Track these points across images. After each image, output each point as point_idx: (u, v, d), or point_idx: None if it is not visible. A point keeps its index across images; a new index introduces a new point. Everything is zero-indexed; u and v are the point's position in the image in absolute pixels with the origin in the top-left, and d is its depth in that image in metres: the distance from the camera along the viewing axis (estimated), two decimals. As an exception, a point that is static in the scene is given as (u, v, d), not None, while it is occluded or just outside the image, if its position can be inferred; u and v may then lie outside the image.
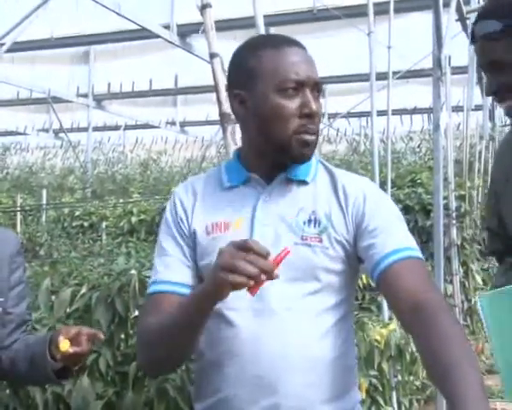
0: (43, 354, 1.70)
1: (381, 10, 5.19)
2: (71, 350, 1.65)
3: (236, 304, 1.47)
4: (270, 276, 1.28)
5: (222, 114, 2.47)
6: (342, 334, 1.53)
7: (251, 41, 1.61)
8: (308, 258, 1.50)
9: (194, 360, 1.58)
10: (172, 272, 1.54)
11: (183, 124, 15.11)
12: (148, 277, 1.92)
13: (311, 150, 1.53)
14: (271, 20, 8.46)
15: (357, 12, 7.40)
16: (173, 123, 14.95)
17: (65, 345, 1.65)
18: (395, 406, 3.77)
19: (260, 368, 1.46)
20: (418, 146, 11.79)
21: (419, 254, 1.47)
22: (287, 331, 1.47)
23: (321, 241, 1.51)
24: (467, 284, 6.31)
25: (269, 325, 1.47)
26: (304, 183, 1.57)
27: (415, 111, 13.28)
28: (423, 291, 1.37)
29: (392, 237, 1.47)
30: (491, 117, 9.21)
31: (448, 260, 5.39)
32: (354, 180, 1.60)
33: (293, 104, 1.49)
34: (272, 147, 1.52)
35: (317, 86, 1.54)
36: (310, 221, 1.52)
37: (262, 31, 2.93)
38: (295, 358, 1.46)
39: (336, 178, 1.59)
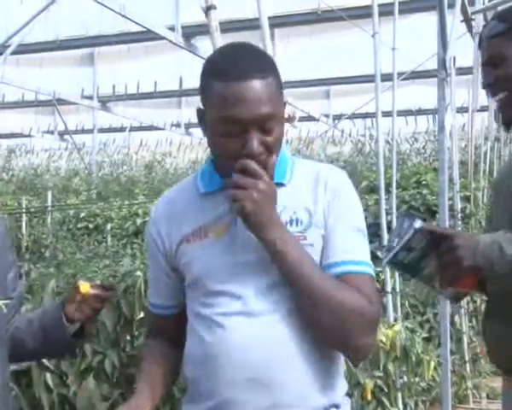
0: (57, 320, 1.75)
1: (386, 11, 5.19)
2: (91, 291, 1.74)
3: (224, 309, 1.50)
4: None
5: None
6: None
7: (208, 60, 1.54)
8: None
9: (185, 364, 1.60)
10: (157, 294, 1.67)
11: (188, 126, 15.11)
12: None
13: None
14: (276, 21, 8.46)
15: (362, 13, 7.39)
16: (178, 125, 14.95)
17: (85, 287, 1.74)
18: (400, 407, 3.77)
19: (254, 370, 1.47)
20: (423, 147, 11.77)
21: (366, 269, 1.53)
22: (276, 331, 1.48)
23: (305, 238, 1.52)
24: (472, 285, 6.28)
25: (258, 326, 1.48)
26: (281, 185, 1.55)
27: (420, 112, 13.26)
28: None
29: (342, 246, 1.53)
30: (497, 118, 9.18)
31: (453, 261, 5.37)
32: (335, 175, 1.60)
33: (234, 144, 1.45)
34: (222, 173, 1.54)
35: (266, 120, 1.45)
36: (292, 221, 1.53)
37: (267, 32, 2.93)
38: (287, 355, 1.49)
39: (316, 174, 1.58)
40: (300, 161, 1.64)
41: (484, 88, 1.87)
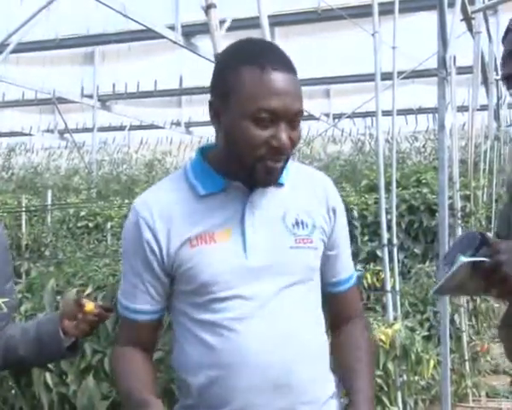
0: (54, 334, 1.76)
1: (386, 10, 5.17)
2: (96, 310, 1.76)
3: (236, 313, 1.47)
4: None
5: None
6: (323, 320, 1.61)
7: (237, 48, 1.51)
8: (304, 260, 1.53)
9: (190, 374, 1.53)
10: (141, 299, 1.55)
11: (188, 124, 15.11)
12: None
13: (276, 177, 1.49)
14: (276, 20, 8.46)
15: (362, 12, 7.39)
16: (178, 123, 14.95)
17: (90, 306, 1.77)
18: (400, 405, 3.77)
19: (272, 374, 1.46)
20: (423, 146, 11.77)
21: (355, 274, 1.71)
22: (292, 335, 1.49)
23: (312, 241, 1.54)
24: (472, 283, 6.28)
25: (274, 329, 1.47)
26: (281, 185, 1.55)
27: (420, 111, 13.26)
28: (354, 311, 1.69)
29: (348, 259, 1.68)
30: (497, 117, 9.18)
31: (453, 260, 5.37)
32: (329, 183, 1.64)
33: (263, 134, 1.42)
34: (237, 166, 1.48)
35: (296, 116, 1.45)
36: (297, 223, 1.53)
37: (267, 31, 2.93)
38: (304, 356, 1.50)
39: (311, 178, 1.62)
40: (291, 162, 1.60)
41: (502, 80, 1.85)
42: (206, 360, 1.49)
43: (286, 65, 1.46)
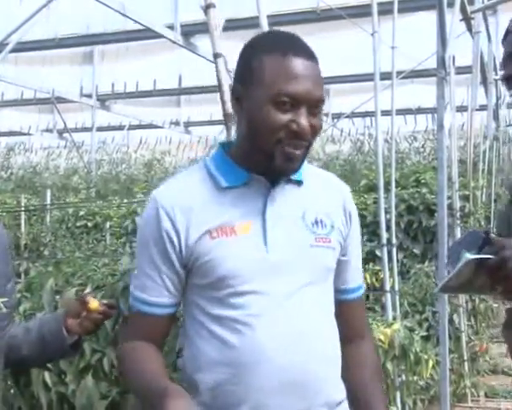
0: (57, 332, 1.76)
1: (385, 10, 5.18)
2: (101, 308, 1.77)
3: (254, 309, 1.45)
4: None
5: (226, 115, 2.47)
6: (336, 324, 1.60)
7: (261, 38, 1.56)
8: (323, 259, 1.53)
9: (202, 371, 1.49)
10: (157, 292, 1.52)
11: (187, 124, 15.10)
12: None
13: (296, 165, 1.48)
14: (275, 19, 8.45)
15: (361, 12, 7.39)
16: (177, 123, 14.94)
17: (95, 303, 1.76)
18: (399, 405, 3.77)
19: (291, 374, 1.44)
20: (422, 146, 11.76)
21: (363, 290, 1.71)
22: (310, 335, 1.48)
23: (330, 241, 1.53)
24: (471, 284, 6.28)
25: (292, 326, 1.46)
26: (300, 183, 1.56)
27: (419, 111, 13.25)
28: (361, 327, 1.69)
29: (358, 269, 1.68)
30: (496, 117, 9.19)
31: (452, 260, 5.38)
32: (345, 188, 1.65)
33: (284, 117, 1.43)
34: (257, 153, 1.48)
35: (317, 103, 1.46)
36: (317, 222, 1.53)
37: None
38: (323, 356, 1.50)
39: (327, 180, 1.64)
40: (306, 164, 1.60)
41: (502, 81, 1.86)
42: (220, 356, 1.45)
43: (307, 52, 1.48)
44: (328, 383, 1.51)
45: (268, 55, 1.45)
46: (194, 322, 1.52)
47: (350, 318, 1.64)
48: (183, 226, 1.48)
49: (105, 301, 1.85)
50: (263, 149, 1.46)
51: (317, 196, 1.57)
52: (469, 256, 1.54)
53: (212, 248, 1.46)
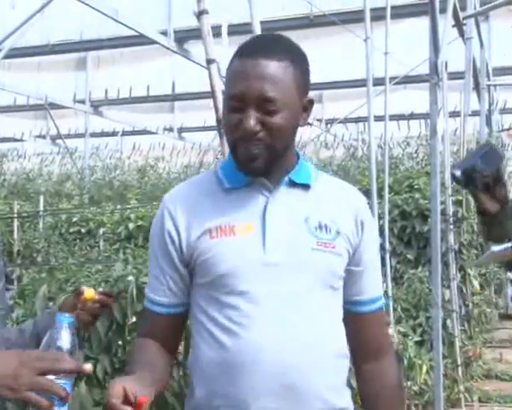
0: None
1: (378, 16, 5.19)
2: (96, 297, 1.70)
3: (249, 310, 1.45)
4: None
5: (219, 120, 2.47)
6: (343, 332, 1.56)
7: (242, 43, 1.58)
8: (325, 264, 1.51)
9: (198, 372, 1.52)
10: (160, 292, 1.56)
11: (181, 130, 15.09)
12: (146, 283, 1.92)
13: (258, 163, 1.48)
14: (268, 25, 8.47)
15: (354, 18, 7.41)
16: (171, 129, 14.93)
17: (90, 292, 1.70)
18: (393, 411, 3.76)
19: (285, 377, 1.44)
20: (415, 151, 11.78)
21: (383, 301, 1.64)
22: (308, 339, 1.46)
23: (334, 247, 1.51)
24: (464, 289, 6.31)
25: (287, 331, 1.45)
26: (307, 187, 1.55)
27: (412, 116, 13.28)
28: (380, 343, 1.62)
29: (374, 281, 1.61)
30: (488, 122, 9.22)
31: (445, 265, 5.39)
32: (362, 198, 1.63)
33: (234, 118, 1.47)
34: (232, 155, 1.54)
35: (266, 101, 1.45)
36: (320, 227, 1.52)
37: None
38: (315, 362, 1.47)
39: (341, 189, 1.62)
40: (322, 172, 1.63)
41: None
42: (216, 356, 1.46)
43: (265, 51, 1.47)
44: (327, 389, 1.49)
45: (232, 58, 1.51)
46: (196, 322, 1.53)
47: (365, 332, 1.59)
48: (183, 225, 1.52)
49: (101, 290, 1.80)
50: (231, 151, 1.52)
51: (325, 202, 1.56)
52: (495, 249, 1.74)
53: (211, 247, 1.48)
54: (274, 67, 1.45)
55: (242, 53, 1.48)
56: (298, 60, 1.50)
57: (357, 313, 1.59)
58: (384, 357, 1.61)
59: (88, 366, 1.23)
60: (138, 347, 1.57)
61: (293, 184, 1.54)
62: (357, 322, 1.59)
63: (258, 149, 1.46)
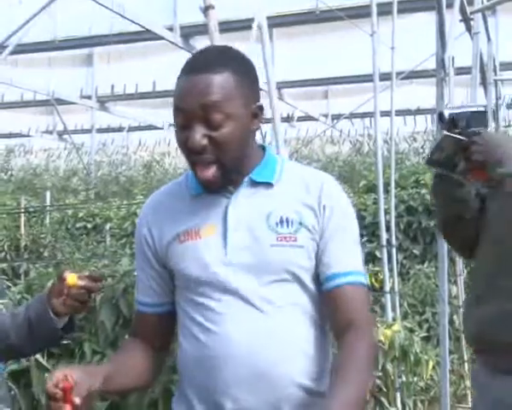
0: (43, 313, 1.65)
1: (385, 11, 5.19)
2: (80, 283, 1.61)
3: (219, 307, 1.50)
4: None
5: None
6: (317, 321, 1.56)
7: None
8: (286, 258, 1.52)
9: (180, 367, 1.60)
10: (144, 292, 1.64)
11: (187, 125, 15.11)
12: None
13: (215, 184, 1.50)
14: (274, 21, 8.46)
15: (361, 13, 7.40)
16: (177, 124, 14.95)
17: (73, 278, 1.61)
18: (399, 406, 3.77)
19: (255, 368, 1.48)
20: (422, 147, 11.78)
21: (361, 278, 1.57)
22: (276, 330, 1.50)
23: (295, 240, 1.52)
24: (471, 284, 6.30)
25: (257, 325, 1.49)
26: (269, 185, 1.56)
27: (418, 112, 13.27)
28: (350, 320, 1.52)
29: (338, 257, 1.56)
30: (495, 117, 9.19)
31: (452, 261, 5.38)
32: (326, 182, 1.59)
33: (183, 136, 1.48)
34: None
35: (208, 115, 1.44)
36: (282, 222, 1.53)
37: (265, 32, 2.93)
38: (289, 351, 1.51)
39: (308, 177, 1.59)
40: (290, 162, 1.65)
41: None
42: (194, 352, 1.53)
43: (205, 66, 1.47)
44: (301, 374, 1.51)
45: (178, 76, 1.51)
46: (179, 322, 1.60)
47: (334, 308, 1.54)
48: (156, 229, 1.59)
49: (87, 273, 1.68)
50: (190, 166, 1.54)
51: (288, 195, 1.56)
52: (446, 133, 1.83)
53: (179, 251, 1.55)
54: (214, 81, 1.45)
55: (184, 69, 1.49)
56: (240, 70, 1.50)
57: (325, 289, 1.56)
58: (352, 332, 1.51)
59: None
60: (120, 346, 1.68)
61: (255, 183, 1.56)
62: (325, 299, 1.56)
63: (210, 170, 1.48)
